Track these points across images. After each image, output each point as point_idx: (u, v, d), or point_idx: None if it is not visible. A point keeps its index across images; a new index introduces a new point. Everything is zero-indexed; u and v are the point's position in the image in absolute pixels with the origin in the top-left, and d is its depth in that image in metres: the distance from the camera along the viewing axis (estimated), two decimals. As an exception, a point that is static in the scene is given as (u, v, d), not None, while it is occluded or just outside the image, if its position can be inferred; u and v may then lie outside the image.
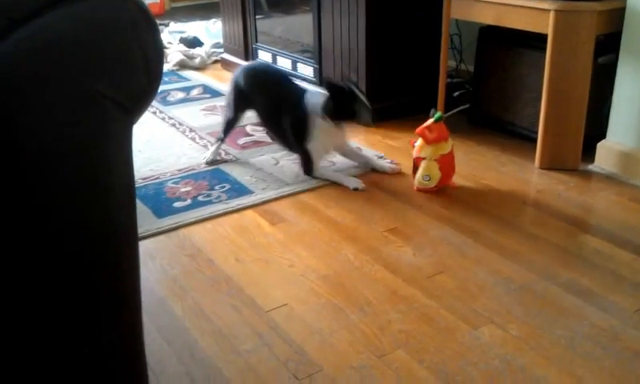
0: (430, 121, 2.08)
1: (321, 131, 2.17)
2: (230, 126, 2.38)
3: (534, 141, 2.32)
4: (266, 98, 2.29)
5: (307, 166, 2.22)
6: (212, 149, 2.40)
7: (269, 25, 3.41)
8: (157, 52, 1.01)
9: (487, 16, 2.35)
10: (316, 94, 2.21)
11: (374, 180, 2.22)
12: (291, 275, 1.67)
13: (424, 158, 2.09)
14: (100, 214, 0.90)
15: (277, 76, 2.38)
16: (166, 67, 3.77)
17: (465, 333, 1.43)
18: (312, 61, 3.03)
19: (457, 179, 2.20)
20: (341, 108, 2.13)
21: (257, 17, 3.42)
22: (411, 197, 2.09)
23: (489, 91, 2.60)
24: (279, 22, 3.34)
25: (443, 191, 2.12)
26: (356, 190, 2.13)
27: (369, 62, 2.71)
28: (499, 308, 1.51)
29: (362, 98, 2.13)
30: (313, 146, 2.19)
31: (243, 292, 1.60)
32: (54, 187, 0.82)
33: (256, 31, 3.45)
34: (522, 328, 1.44)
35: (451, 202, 2.05)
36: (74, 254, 0.86)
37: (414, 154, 2.12)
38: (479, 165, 2.33)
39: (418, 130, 2.09)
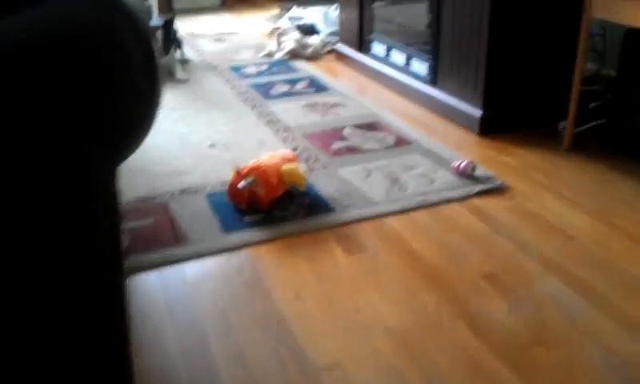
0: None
1: None
2: None
3: (686, 173, 1.87)
4: None
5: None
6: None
7: (386, 14, 3.13)
8: (149, 80, 0.81)
9: (636, 18, 1.91)
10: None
11: (477, 205, 1.89)
12: (354, 324, 1.41)
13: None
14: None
15: None
16: (278, 56, 3.61)
17: (557, 438, 1.11)
18: (427, 56, 2.72)
19: (578, 215, 1.82)
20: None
21: (374, 4, 3.15)
22: (518, 233, 1.75)
23: (633, 104, 2.15)
24: (397, 12, 3.05)
25: (559, 230, 1.75)
26: (179, 80, 2.82)
27: (490, 62, 2.35)
28: (609, 407, 1.17)
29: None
30: None
31: (294, 340, 1.37)
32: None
33: (372, 20, 3.18)
34: (637, 443, 1.09)
35: (567, 245, 1.69)
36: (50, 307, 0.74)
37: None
38: (609, 198, 1.92)
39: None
